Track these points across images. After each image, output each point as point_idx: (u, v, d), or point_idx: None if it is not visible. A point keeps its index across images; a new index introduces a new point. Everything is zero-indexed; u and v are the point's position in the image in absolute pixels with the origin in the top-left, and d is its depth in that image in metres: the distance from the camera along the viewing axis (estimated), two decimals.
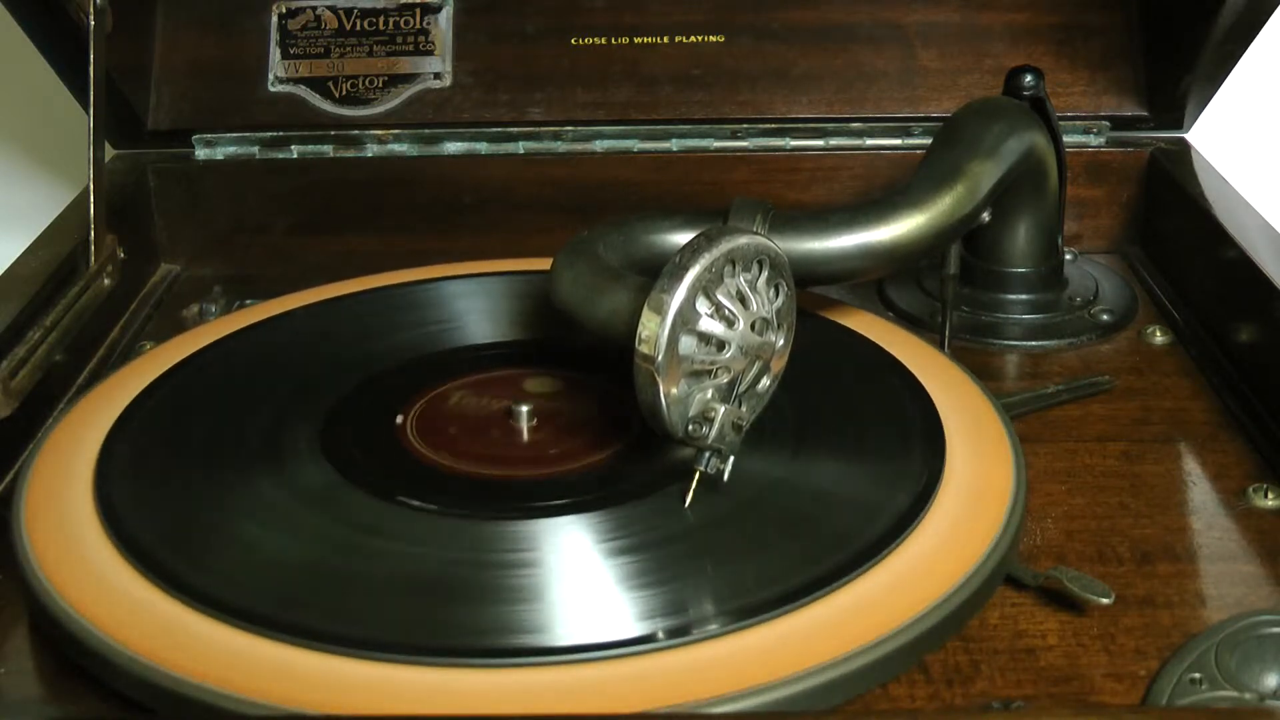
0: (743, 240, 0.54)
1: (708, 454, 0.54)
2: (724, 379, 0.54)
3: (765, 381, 0.56)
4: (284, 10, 0.85)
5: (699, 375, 0.54)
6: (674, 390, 0.53)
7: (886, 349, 0.66)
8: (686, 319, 0.53)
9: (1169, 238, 0.81)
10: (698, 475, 0.54)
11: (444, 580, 0.51)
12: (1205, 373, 0.70)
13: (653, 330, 0.52)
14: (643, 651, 0.47)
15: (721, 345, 0.54)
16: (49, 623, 0.50)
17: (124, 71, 0.81)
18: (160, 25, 0.85)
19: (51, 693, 0.49)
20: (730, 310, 0.54)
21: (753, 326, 0.54)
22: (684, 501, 0.54)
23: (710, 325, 0.53)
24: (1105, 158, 0.84)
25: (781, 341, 0.57)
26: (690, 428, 0.54)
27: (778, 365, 0.57)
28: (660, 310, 0.52)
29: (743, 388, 0.55)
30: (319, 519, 0.55)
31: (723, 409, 0.54)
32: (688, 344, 0.53)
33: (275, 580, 0.51)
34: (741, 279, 0.54)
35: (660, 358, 0.52)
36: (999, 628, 0.52)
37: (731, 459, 0.54)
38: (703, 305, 0.53)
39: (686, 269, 0.52)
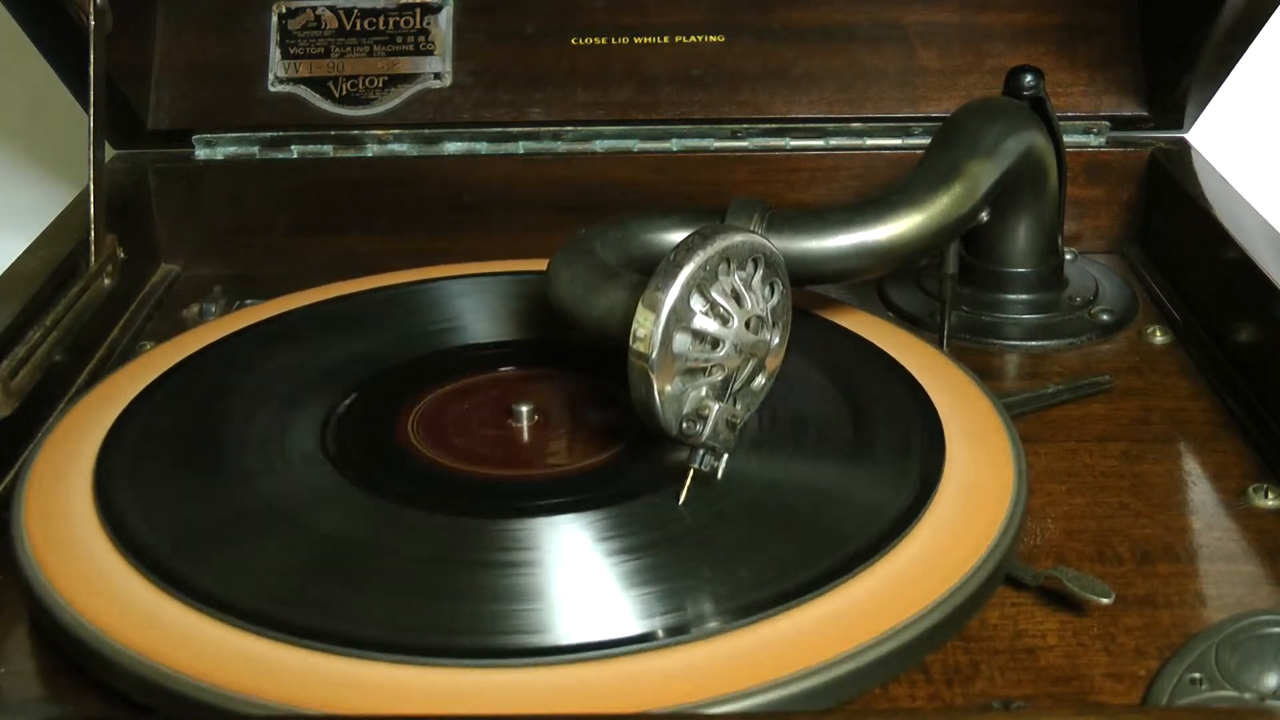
0: (738, 238, 0.54)
1: (702, 452, 0.54)
2: (718, 377, 0.54)
3: (760, 380, 0.56)
4: (284, 10, 0.85)
5: (693, 373, 0.54)
6: (668, 388, 0.53)
7: (886, 349, 0.66)
8: (681, 317, 0.53)
9: (1169, 238, 0.81)
10: (692, 473, 0.54)
11: (444, 580, 0.51)
12: (1205, 373, 0.70)
13: (647, 328, 0.52)
14: (642, 651, 0.47)
15: (716, 343, 0.54)
16: (49, 623, 0.50)
17: (124, 71, 0.81)
18: (160, 25, 0.85)
19: (51, 693, 0.49)
20: (725, 308, 0.54)
21: (747, 324, 0.54)
22: (678, 499, 0.54)
23: (704, 323, 0.53)
24: (1105, 158, 0.84)
25: (776, 340, 0.57)
26: (684, 425, 0.54)
27: (773, 363, 0.57)
28: (654, 308, 0.52)
29: (737, 386, 0.55)
30: (319, 519, 0.55)
31: (717, 407, 0.54)
32: (682, 342, 0.53)
33: (275, 580, 0.51)
34: (736, 277, 0.54)
35: (654, 355, 0.52)
36: (999, 628, 0.52)
37: (726, 457, 0.54)
38: (697, 303, 0.53)
39: (681, 267, 0.53)
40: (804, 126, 0.84)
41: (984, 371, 0.68)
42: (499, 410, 0.62)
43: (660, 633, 0.47)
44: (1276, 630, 0.49)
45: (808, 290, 0.69)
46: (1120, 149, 0.84)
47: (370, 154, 0.84)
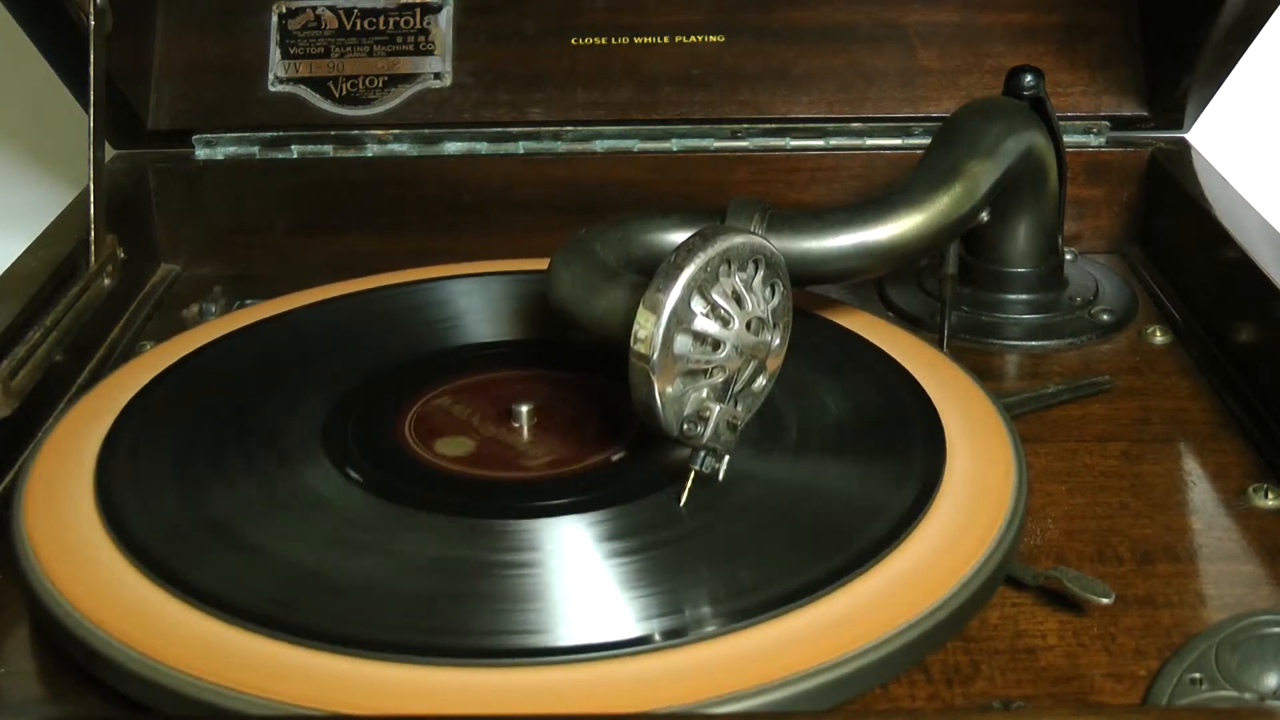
0: (738, 240, 0.54)
1: (703, 453, 0.54)
2: (719, 378, 0.54)
3: (761, 381, 0.56)
4: (284, 10, 0.85)
5: (694, 374, 0.54)
6: (669, 389, 0.53)
7: (886, 349, 0.66)
8: (682, 318, 0.53)
9: (1169, 238, 0.81)
10: (693, 474, 0.54)
11: (444, 580, 0.51)
12: (1205, 373, 0.70)
13: (648, 329, 0.52)
14: (642, 651, 0.47)
15: (717, 344, 0.54)
16: (49, 623, 0.50)
17: (124, 71, 0.81)
18: (160, 25, 0.85)
19: (51, 693, 0.49)
20: (725, 310, 0.54)
21: (748, 326, 0.54)
22: (679, 500, 0.54)
23: (705, 324, 0.53)
24: (1105, 158, 0.84)
25: (777, 341, 0.57)
26: (685, 427, 0.54)
27: (774, 364, 0.57)
28: (655, 309, 0.52)
29: (738, 387, 0.55)
30: (319, 518, 0.55)
31: (718, 408, 0.54)
32: (683, 343, 0.53)
33: (275, 580, 0.51)
34: (737, 278, 0.54)
35: (655, 356, 0.52)
36: (999, 628, 0.52)
37: (727, 458, 0.54)
38: (698, 304, 0.53)
39: (682, 268, 0.53)
40: (804, 126, 0.84)
41: (984, 371, 0.68)
42: (499, 410, 0.62)
43: (660, 634, 0.47)
44: (1276, 630, 0.49)
45: (808, 290, 0.69)
46: (1120, 149, 0.84)
47: (370, 154, 0.84)
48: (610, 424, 0.61)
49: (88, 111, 0.72)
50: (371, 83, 0.85)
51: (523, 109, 0.85)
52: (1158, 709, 0.47)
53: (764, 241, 0.56)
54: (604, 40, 0.85)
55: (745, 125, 0.85)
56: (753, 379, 0.56)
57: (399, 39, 0.85)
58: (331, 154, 0.84)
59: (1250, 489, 0.60)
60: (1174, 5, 0.81)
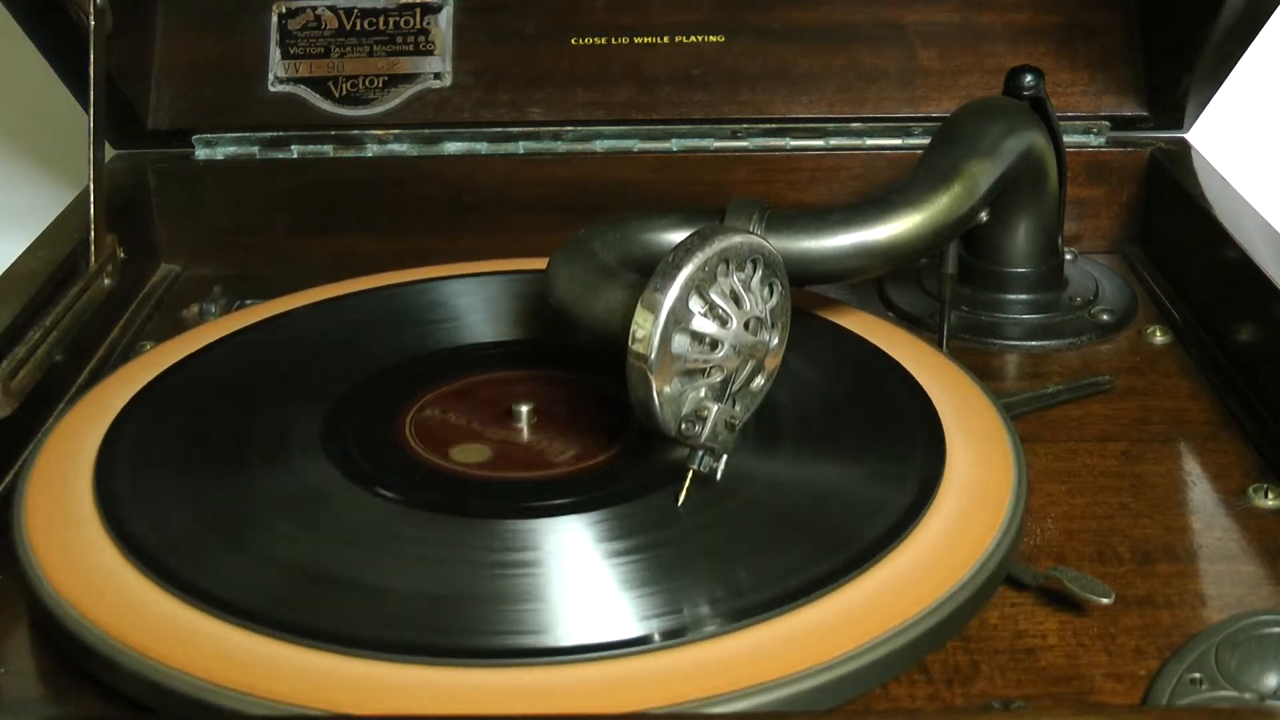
0: (736, 239, 0.54)
1: (701, 453, 0.54)
2: (717, 378, 0.54)
3: (759, 380, 0.56)
4: (284, 10, 0.85)
5: (692, 374, 0.54)
6: (667, 389, 0.53)
7: (886, 349, 0.66)
8: (679, 318, 0.53)
9: (1169, 238, 0.81)
10: (691, 474, 0.54)
11: (444, 580, 0.51)
12: (1205, 373, 0.70)
13: (646, 329, 0.52)
14: (642, 651, 0.47)
15: (715, 344, 0.54)
16: (49, 623, 0.50)
17: (124, 71, 0.81)
18: (160, 25, 0.85)
19: (51, 693, 0.49)
20: (723, 309, 0.54)
21: (746, 325, 0.54)
22: (677, 500, 0.54)
23: (703, 324, 0.53)
24: (1105, 158, 0.84)
25: (775, 340, 0.57)
26: (683, 426, 0.54)
27: (772, 364, 0.57)
28: (653, 309, 0.52)
29: (736, 386, 0.55)
30: (319, 519, 0.55)
31: (715, 408, 0.54)
32: (681, 343, 0.53)
33: (275, 580, 0.51)
34: (735, 278, 0.54)
35: (653, 356, 0.52)
36: (999, 628, 0.52)
37: (725, 458, 0.54)
38: (696, 304, 0.53)
39: (680, 268, 0.53)
40: (804, 126, 0.84)
41: (984, 371, 0.68)
42: (499, 410, 0.62)
43: (660, 634, 0.47)
44: (1276, 630, 0.49)
45: (808, 290, 0.69)
46: (1120, 149, 0.84)
47: (370, 154, 0.84)
48: (610, 424, 0.61)
49: (88, 111, 0.72)
50: (371, 83, 0.85)
51: (523, 109, 0.85)
52: (1158, 709, 0.47)
53: (762, 241, 0.56)
54: (604, 40, 0.85)
55: (745, 125, 0.85)
56: (751, 378, 0.56)
57: (399, 39, 0.85)
58: (331, 154, 0.84)
59: (1250, 489, 0.60)
60: (1174, 5, 0.81)
